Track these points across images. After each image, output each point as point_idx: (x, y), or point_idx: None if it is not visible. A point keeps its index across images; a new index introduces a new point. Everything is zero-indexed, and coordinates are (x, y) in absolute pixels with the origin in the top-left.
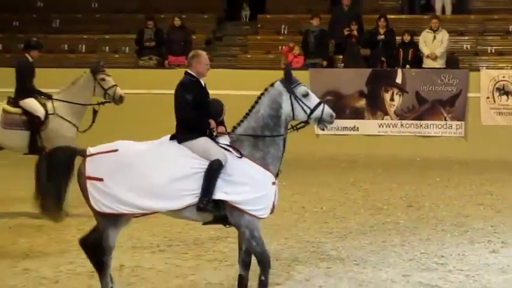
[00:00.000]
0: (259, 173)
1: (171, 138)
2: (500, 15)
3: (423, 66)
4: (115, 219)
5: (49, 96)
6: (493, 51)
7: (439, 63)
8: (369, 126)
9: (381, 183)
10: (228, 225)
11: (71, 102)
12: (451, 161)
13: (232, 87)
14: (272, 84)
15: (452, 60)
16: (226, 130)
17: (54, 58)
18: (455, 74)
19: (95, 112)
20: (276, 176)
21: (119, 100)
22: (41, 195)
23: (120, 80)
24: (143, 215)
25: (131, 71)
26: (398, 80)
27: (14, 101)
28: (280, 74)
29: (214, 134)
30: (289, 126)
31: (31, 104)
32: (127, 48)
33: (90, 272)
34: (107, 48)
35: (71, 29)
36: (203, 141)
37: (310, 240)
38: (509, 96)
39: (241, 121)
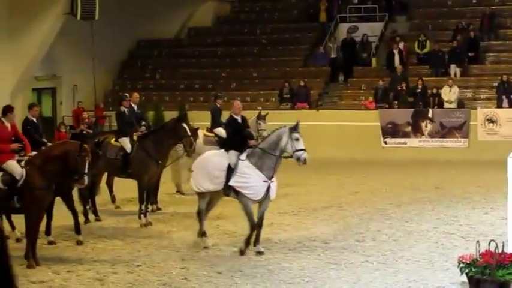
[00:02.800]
0: (255, 174)
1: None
2: (488, 77)
3: (444, 107)
4: (203, 194)
5: None
6: (484, 98)
7: (453, 105)
8: (413, 141)
9: (420, 174)
10: None
11: None
12: (460, 161)
13: (334, 120)
14: (285, 127)
15: (460, 103)
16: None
17: (232, 105)
18: (462, 111)
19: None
20: (270, 177)
21: (263, 139)
22: None
23: (269, 117)
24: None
25: (275, 111)
26: (430, 115)
27: (210, 129)
28: (362, 113)
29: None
30: (284, 154)
31: (220, 130)
32: (273, 98)
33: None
34: (262, 99)
35: (241, 88)
36: (231, 152)
37: (379, 208)
38: (494, 123)
39: (260, 142)
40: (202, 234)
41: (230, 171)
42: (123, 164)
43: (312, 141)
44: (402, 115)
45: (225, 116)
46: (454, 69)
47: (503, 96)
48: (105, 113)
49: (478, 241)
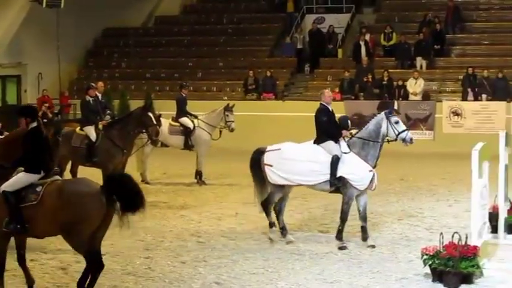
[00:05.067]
0: (361, 163)
1: (314, 142)
2: (454, 70)
3: (409, 99)
4: (279, 187)
5: (196, 116)
6: (449, 90)
7: (418, 97)
8: None
9: (385, 166)
10: (339, 193)
11: (207, 123)
12: (425, 153)
13: (300, 111)
14: (379, 113)
15: (425, 95)
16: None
17: (197, 95)
18: (427, 103)
19: (220, 131)
20: (374, 167)
21: (231, 130)
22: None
23: (235, 107)
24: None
25: (241, 102)
26: (395, 107)
27: (175, 119)
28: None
29: (340, 138)
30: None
31: (185, 120)
32: (239, 89)
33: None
34: (228, 89)
35: (208, 78)
36: (330, 143)
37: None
38: (459, 116)
39: (357, 132)
40: (272, 225)
41: (335, 162)
42: (88, 153)
43: (278, 132)
44: (368, 107)
45: (190, 105)
46: (420, 61)
47: (469, 89)
48: (70, 102)
49: (441, 233)
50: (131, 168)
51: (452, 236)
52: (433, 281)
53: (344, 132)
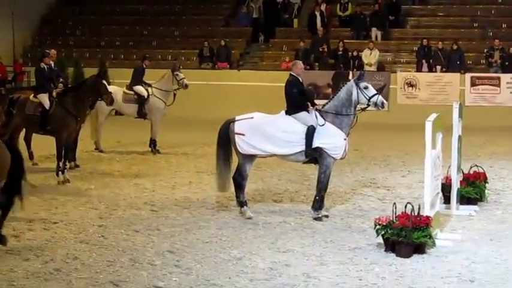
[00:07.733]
0: (337, 132)
1: (286, 112)
2: (409, 41)
3: (364, 70)
4: (250, 157)
5: (149, 85)
6: (404, 61)
7: (373, 68)
8: None
9: None
10: (315, 164)
11: (161, 89)
12: (380, 124)
13: (255, 81)
14: (349, 80)
15: (380, 66)
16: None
17: (152, 64)
18: (382, 74)
19: (174, 94)
20: (347, 135)
21: (185, 87)
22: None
23: (190, 76)
24: (266, 156)
25: (196, 71)
26: (350, 77)
27: (129, 87)
28: (282, 73)
29: (310, 109)
30: (358, 108)
31: (140, 89)
32: (194, 58)
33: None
34: (183, 57)
35: (163, 47)
36: (304, 114)
37: (298, 169)
38: (413, 87)
39: (329, 101)
40: (244, 204)
41: (311, 133)
42: (42, 121)
43: (232, 101)
44: (323, 77)
45: (148, 74)
46: (375, 32)
47: (423, 61)
48: (24, 69)
49: (394, 203)
50: (85, 136)
51: (405, 207)
52: (386, 250)
53: (317, 103)
